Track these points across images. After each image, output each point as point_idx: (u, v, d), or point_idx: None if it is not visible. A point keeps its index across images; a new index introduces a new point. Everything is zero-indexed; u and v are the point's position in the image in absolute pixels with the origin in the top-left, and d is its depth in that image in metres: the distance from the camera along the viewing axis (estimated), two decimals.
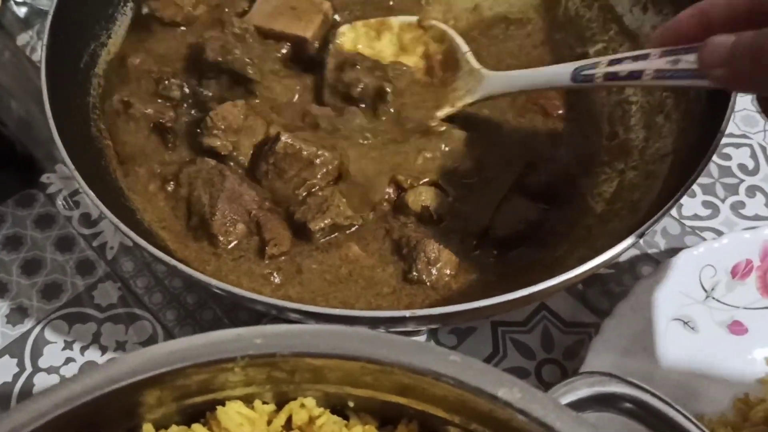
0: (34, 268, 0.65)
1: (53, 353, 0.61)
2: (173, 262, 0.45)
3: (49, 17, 0.56)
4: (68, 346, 0.61)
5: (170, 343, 0.35)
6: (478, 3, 0.71)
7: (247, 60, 0.61)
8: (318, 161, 0.57)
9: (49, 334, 0.62)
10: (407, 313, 0.43)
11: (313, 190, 0.57)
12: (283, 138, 0.56)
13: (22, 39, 0.80)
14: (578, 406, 0.38)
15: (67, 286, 0.64)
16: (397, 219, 0.57)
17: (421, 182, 0.57)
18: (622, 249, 0.46)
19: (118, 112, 0.61)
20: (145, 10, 0.66)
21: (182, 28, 0.66)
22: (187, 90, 0.62)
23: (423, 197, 0.57)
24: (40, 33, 0.80)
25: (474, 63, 0.61)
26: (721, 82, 0.41)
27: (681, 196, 0.47)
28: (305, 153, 0.57)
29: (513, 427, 0.34)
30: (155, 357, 0.34)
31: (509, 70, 0.60)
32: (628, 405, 0.37)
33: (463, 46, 0.62)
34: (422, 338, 0.61)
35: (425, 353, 0.35)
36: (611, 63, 0.49)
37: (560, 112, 0.63)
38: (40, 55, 0.55)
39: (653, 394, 0.37)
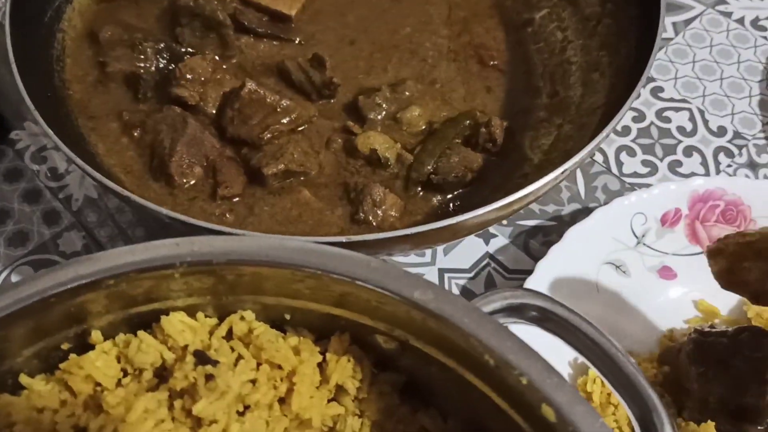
0: (1, 218, 0.68)
1: None
2: (125, 192, 0.48)
3: None
4: None
5: (112, 251, 0.38)
6: None
7: (217, 3, 0.65)
8: (280, 108, 0.61)
9: (15, 279, 0.65)
10: (344, 239, 0.46)
11: (275, 134, 0.60)
12: (248, 85, 0.60)
13: None
14: (493, 316, 0.41)
15: (34, 235, 0.67)
16: (348, 162, 0.60)
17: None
18: (541, 185, 0.49)
19: (94, 77, 0.64)
20: None
21: None
22: (161, 46, 0.65)
23: (371, 140, 0.61)
24: None
25: None
26: None
27: (602, 138, 0.51)
28: (269, 99, 0.60)
29: (429, 328, 0.37)
30: (98, 262, 0.37)
31: None
32: (536, 314, 0.41)
33: None
34: None
35: (349, 260, 0.38)
36: None
37: (495, 62, 0.67)
38: (3, 13, 0.58)
39: (560, 304, 0.41)
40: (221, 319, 0.42)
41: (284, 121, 0.61)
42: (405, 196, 0.59)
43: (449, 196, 0.60)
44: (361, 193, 0.58)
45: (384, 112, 0.63)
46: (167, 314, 0.41)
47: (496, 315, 0.41)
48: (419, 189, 0.60)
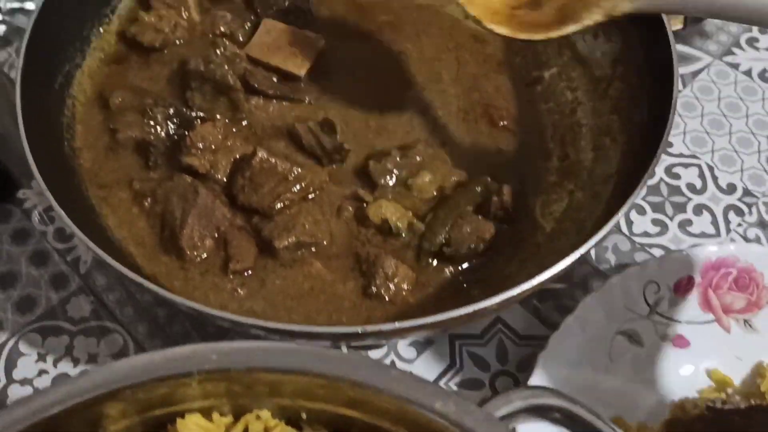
0: (9, 282, 0.67)
1: (27, 365, 0.63)
2: (138, 278, 0.47)
3: (25, 40, 0.58)
4: (41, 358, 0.64)
5: (131, 359, 0.37)
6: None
7: (227, 68, 0.64)
8: (291, 177, 0.60)
9: (23, 347, 0.64)
10: (359, 329, 0.46)
11: (286, 203, 0.60)
12: (259, 153, 0.60)
13: (0, 56, 0.82)
14: (514, 417, 0.41)
15: (41, 300, 0.67)
16: (359, 231, 0.60)
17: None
18: (563, 268, 0.49)
19: (104, 143, 0.64)
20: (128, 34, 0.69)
21: (164, 51, 0.69)
22: (171, 111, 0.65)
23: (382, 209, 0.60)
24: (18, 50, 0.82)
25: None
26: None
27: (618, 218, 0.50)
28: (280, 168, 0.60)
29: None
30: (116, 372, 0.37)
31: None
32: (558, 415, 0.40)
33: None
34: (383, 350, 0.64)
35: (369, 368, 0.38)
36: None
37: (505, 123, 0.67)
38: (17, 64, 0.58)
39: (582, 405, 0.40)
40: (237, 418, 0.42)
41: (295, 189, 0.60)
42: (417, 266, 0.59)
43: (461, 267, 0.59)
44: (373, 265, 0.57)
45: (395, 178, 0.63)
46: (183, 416, 0.41)
47: (517, 415, 0.41)
48: (431, 260, 0.59)
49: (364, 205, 0.61)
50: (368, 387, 0.37)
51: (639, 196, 0.52)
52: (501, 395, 0.41)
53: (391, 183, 0.62)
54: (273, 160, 0.60)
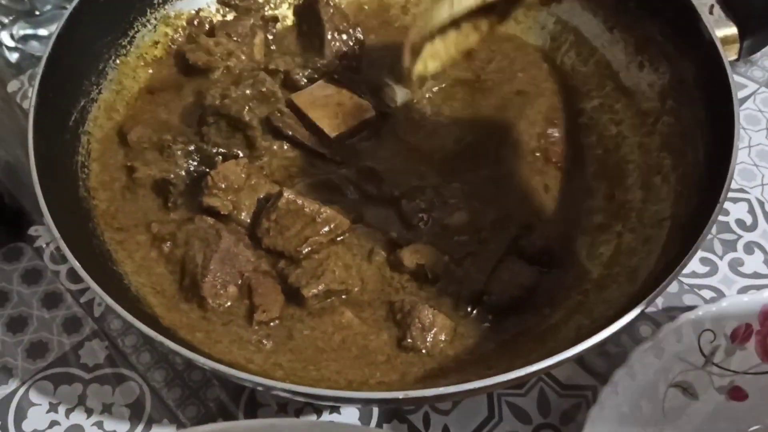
0: (19, 326, 0.64)
1: (38, 416, 0.59)
2: (151, 332, 0.44)
3: (38, 77, 0.55)
4: (53, 408, 0.60)
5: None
6: None
7: (244, 104, 0.61)
8: (320, 218, 0.56)
9: (33, 396, 0.60)
10: (400, 395, 0.42)
11: (314, 247, 0.56)
12: (285, 194, 0.56)
13: (13, 85, 0.79)
14: None
15: (53, 345, 0.63)
16: (392, 277, 0.56)
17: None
18: (627, 322, 0.45)
19: (121, 183, 0.61)
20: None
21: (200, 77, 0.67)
22: (191, 148, 0.62)
23: (419, 255, 0.56)
24: (31, 79, 0.79)
25: None
26: None
27: (682, 268, 0.46)
28: (307, 210, 0.56)
29: None
30: None
31: None
32: None
33: None
34: None
35: None
36: None
37: (560, 161, 0.63)
38: (29, 102, 0.55)
39: None
40: None
41: (324, 231, 0.56)
42: (455, 315, 0.55)
43: (502, 316, 0.55)
44: (408, 315, 0.53)
45: (431, 219, 0.59)
46: None
47: None
48: (470, 308, 0.55)
49: (398, 249, 0.57)
50: None
51: (701, 244, 0.48)
52: None
53: (426, 225, 0.58)
54: (300, 202, 0.56)
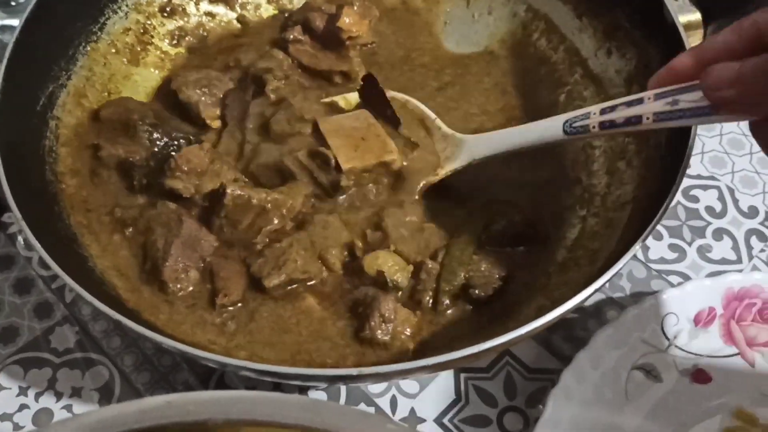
0: None
1: (7, 400, 0.60)
2: (115, 314, 0.44)
3: (5, 59, 0.55)
4: (23, 392, 0.60)
5: (101, 411, 0.34)
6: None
7: (202, 98, 0.62)
8: (269, 206, 0.56)
9: (3, 380, 0.61)
10: (355, 371, 0.42)
11: (272, 236, 0.56)
12: (229, 190, 0.55)
13: None
14: None
15: (24, 330, 0.63)
16: (353, 279, 0.56)
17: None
18: (577, 303, 0.45)
19: (88, 166, 0.61)
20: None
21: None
22: (157, 134, 0.62)
23: (380, 261, 0.55)
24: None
25: (446, 129, 0.61)
26: (730, 104, 0.41)
27: (635, 251, 0.47)
28: (255, 201, 0.55)
29: None
30: (84, 426, 0.33)
31: (491, 131, 0.59)
32: None
33: (430, 114, 0.62)
34: (384, 385, 0.60)
35: (362, 421, 0.34)
36: (604, 111, 0.48)
37: None
38: None
39: None
40: None
41: (276, 219, 0.56)
42: (431, 310, 0.55)
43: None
44: (368, 307, 0.53)
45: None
46: None
47: None
48: (448, 302, 0.55)
49: (359, 258, 0.56)
50: None
51: (656, 225, 0.48)
52: None
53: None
54: (245, 194, 0.55)
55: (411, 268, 0.55)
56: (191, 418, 0.34)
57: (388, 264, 0.54)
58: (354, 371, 0.42)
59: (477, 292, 0.55)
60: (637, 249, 0.47)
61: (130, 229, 0.57)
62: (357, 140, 0.59)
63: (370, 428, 0.34)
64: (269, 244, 0.56)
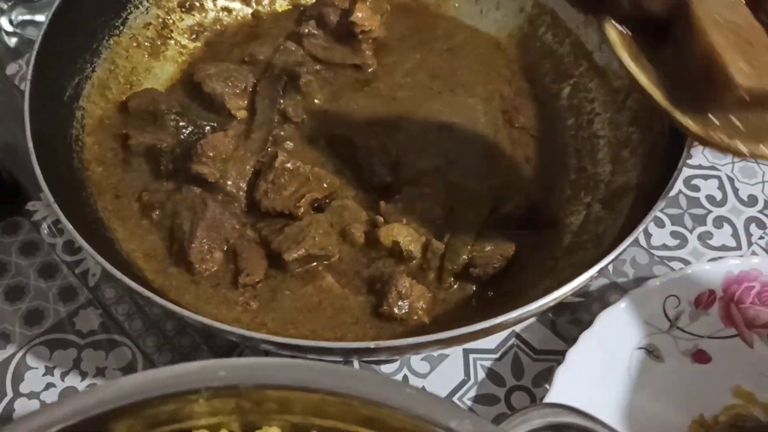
0: (17, 295, 0.67)
1: (34, 379, 0.62)
2: (144, 291, 0.46)
3: (34, 52, 0.58)
4: (49, 371, 0.63)
5: (138, 376, 0.36)
6: None
7: (226, 89, 0.64)
8: (312, 176, 0.60)
9: (30, 360, 0.63)
10: (372, 345, 0.44)
11: (306, 208, 0.59)
12: (280, 156, 0.59)
13: (11, 68, 0.82)
14: None
15: (49, 313, 0.66)
16: (370, 252, 0.59)
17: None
18: (581, 282, 0.47)
19: (114, 154, 0.64)
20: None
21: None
22: (183, 122, 0.64)
23: (395, 232, 0.59)
24: (29, 63, 0.82)
25: None
26: None
27: (637, 233, 0.49)
28: (302, 170, 0.59)
29: None
30: (123, 389, 0.36)
31: None
32: None
33: None
34: (396, 365, 0.62)
35: (382, 386, 0.36)
36: None
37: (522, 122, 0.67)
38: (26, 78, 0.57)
39: (602, 424, 0.39)
40: None
41: (319, 188, 0.60)
42: (438, 288, 0.57)
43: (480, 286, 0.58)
44: (386, 284, 0.56)
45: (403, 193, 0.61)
46: None
47: None
48: (452, 280, 0.58)
49: (375, 228, 0.59)
50: (381, 405, 0.36)
51: (658, 210, 0.50)
52: (519, 413, 0.40)
53: (401, 201, 0.61)
54: (296, 162, 0.59)
55: (423, 239, 0.58)
56: (222, 383, 0.37)
57: (403, 234, 0.57)
58: (371, 344, 0.44)
59: (477, 271, 0.57)
60: (639, 232, 0.49)
61: (157, 212, 0.60)
62: (744, 44, 0.40)
63: (390, 392, 0.36)
64: (306, 212, 0.59)
